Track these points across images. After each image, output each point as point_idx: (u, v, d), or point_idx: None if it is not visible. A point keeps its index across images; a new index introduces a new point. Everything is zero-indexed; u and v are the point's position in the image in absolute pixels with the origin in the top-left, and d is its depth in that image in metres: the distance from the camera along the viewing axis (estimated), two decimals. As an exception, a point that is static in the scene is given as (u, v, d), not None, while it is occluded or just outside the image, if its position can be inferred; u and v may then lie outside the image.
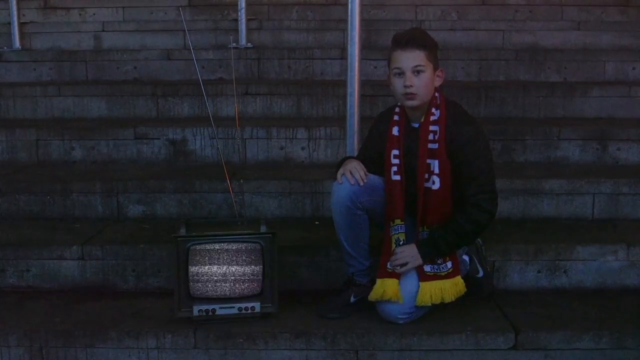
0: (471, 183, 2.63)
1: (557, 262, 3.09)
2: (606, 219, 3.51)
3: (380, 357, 2.65)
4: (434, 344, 2.65)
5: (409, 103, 2.69)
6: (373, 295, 2.71)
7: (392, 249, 2.72)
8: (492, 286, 3.02)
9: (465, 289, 2.72)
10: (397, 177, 2.73)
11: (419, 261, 2.65)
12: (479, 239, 2.94)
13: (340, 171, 2.76)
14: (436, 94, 2.72)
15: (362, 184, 2.70)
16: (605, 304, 2.93)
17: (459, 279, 2.71)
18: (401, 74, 2.65)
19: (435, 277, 2.67)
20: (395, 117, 2.79)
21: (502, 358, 2.65)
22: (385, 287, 2.67)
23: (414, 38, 2.66)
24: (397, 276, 2.68)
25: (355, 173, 2.71)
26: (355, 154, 3.11)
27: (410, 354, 2.65)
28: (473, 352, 2.65)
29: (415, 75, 2.64)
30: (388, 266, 2.71)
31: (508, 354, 2.65)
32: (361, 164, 2.76)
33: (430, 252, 2.66)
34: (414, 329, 2.67)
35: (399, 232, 2.72)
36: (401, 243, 2.71)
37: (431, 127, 2.69)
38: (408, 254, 2.66)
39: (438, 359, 2.65)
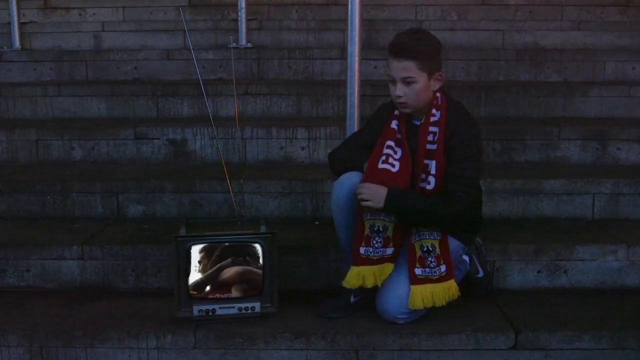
0: (455, 180, 2.61)
1: (557, 262, 3.09)
2: (606, 219, 3.51)
3: (380, 357, 2.65)
4: (434, 344, 2.65)
5: (402, 110, 2.71)
6: (348, 283, 2.68)
7: (366, 234, 2.67)
8: (492, 286, 3.02)
9: (459, 293, 2.70)
10: (385, 166, 2.67)
11: (380, 204, 2.58)
12: (478, 239, 2.94)
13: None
14: (437, 95, 2.70)
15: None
16: (605, 304, 2.93)
17: (452, 283, 2.68)
18: (393, 82, 2.64)
19: (427, 280, 2.66)
20: (396, 112, 2.78)
21: (502, 358, 2.65)
22: (364, 275, 2.65)
23: (406, 48, 2.59)
24: (374, 263, 2.66)
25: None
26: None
27: (410, 354, 2.65)
28: (473, 352, 2.65)
29: (406, 85, 2.62)
30: (361, 252, 2.67)
31: (508, 354, 2.65)
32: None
33: (397, 202, 2.59)
34: (414, 329, 2.67)
35: (375, 218, 2.66)
36: (376, 229, 2.66)
37: (431, 128, 2.68)
38: (375, 191, 2.59)
39: (438, 359, 2.65)
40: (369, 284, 2.66)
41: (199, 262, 2.74)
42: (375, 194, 2.60)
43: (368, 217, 2.67)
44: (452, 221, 2.67)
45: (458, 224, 2.72)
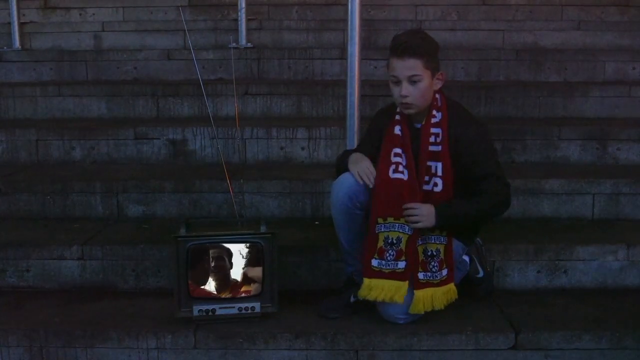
0: (486, 180, 2.63)
1: (557, 262, 3.09)
2: (606, 219, 3.51)
3: (380, 357, 2.65)
4: (434, 344, 2.65)
5: (406, 111, 2.69)
6: (362, 293, 2.68)
7: (379, 246, 2.66)
8: (492, 286, 3.02)
9: (457, 296, 2.69)
10: (398, 176, 2.68)
11: (432, 222, 2.59)
12: (478, 239, 2.95)
13: (355, 170, 2.70)
14: (437, 96, 2.70)
15: (371, 186, 2.66)
16: (605, 304, 2.93)
17: (451, 287, 2.69)
18: (397, 82, 2.64)
19: (428, 284, 2.66)
20: (397, 117, 2.77)
21: (502, 358, 2.65)
22: (371, 288, 2.65)
23: (410, 47, 2.59)
24: (386, 276, 2.64)
25: (363, 176, 2.66)
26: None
27: (410, 354, 2.65)
28: (473, 352, 2.65)
29: (412, 85, 2.61)
30: (374, 264, 2.66)
31: (508, 354, 2.65)
32: (371, 163, 2.72)
33: (447, 216, 2.60)
34: (414, 329, 2.67)
35: (394, 231, 2.65)
36: (390, 241, 2.65)
37: (433, 130, 2.68)
38: (425, 211, 2.60)
39: (438, 359, 2.65)
40: (372, 297, 2.65)
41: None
42: (425, 213, 2.60)
43: (382, 230, 2.65)
44: (501, 211, 2.71)
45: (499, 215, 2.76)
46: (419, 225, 2.60)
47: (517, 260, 3.09)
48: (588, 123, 4.28)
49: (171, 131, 4.03)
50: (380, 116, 2.89)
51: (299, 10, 5.81)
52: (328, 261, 3.07)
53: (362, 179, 2.66)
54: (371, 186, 2.66)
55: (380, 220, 2.67)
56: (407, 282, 2.64)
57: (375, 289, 2.65)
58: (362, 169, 2.69)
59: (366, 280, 2.67)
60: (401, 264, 2.65)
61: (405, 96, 2.62)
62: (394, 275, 2.65)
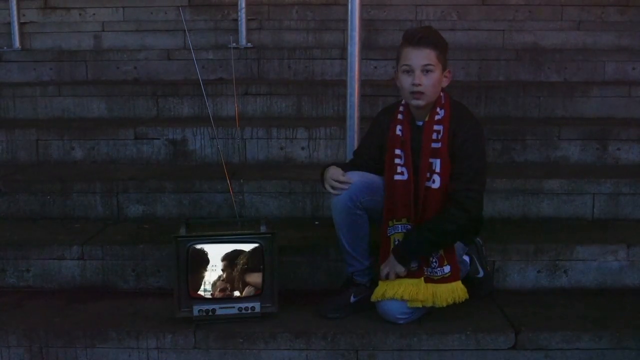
0: (459, 179, 2.63)
1: (557, 262, 3.09)
2: (606, 219, 3.51)
3: (380, 357, 2.66)
4: (434, 344, 2.65)
5: (415, 102, 2.69)
6: (375, 296, 2.72)
7: (392, 248, 2.71)
8: (492, 286, 3.02)
9: (467, 296, 2.69)
10: (400, 177, 2.71)
11: (399, 268, 2.65)
12: (478, 239, 2.95)
13: (327, 186, 2.75)
14: (441, 94, 2.72)
15: (345, 188, 2.70)
16: (605, 304, 2.93)
17: (457, 285, 2.68)
18: (410, 71, 2.65)
19: (428, 280, 2.67)
20: (399, 116, 2.78)
21: (502, 358, 2.65)
22: (386, 287, 2.68)
23: (427, 36, 2.65)
24: (399, 276, 2.68)
25: (335, 185, 2.71)
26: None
27: (410, 354, 2.65)
28: (473, 352, 2.65)
29: (424, 74, 2.63)
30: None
31: (508, 354, 2.65)
32: (338, 168, 2.77)
33: (404, 255, 2.65)
34: (414, 329, 2.67)
35: (398, 232, 2.71)
36: (397, 243, 2.70)
37: (435, 127, 2.69)
38: (390, 265, 2.67)
39: (438, 359, 2.66)
40: (389, 296, 2.68)
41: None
42: (392, 267, 2.66)
43: (392, 232, 2.71)
44: (464, 227, 2.67)
45: (474, 226, 2.73)
46: (391, 277, 2.67)
47: (517, 260, 3.09)
48: (588, 123, 4.28)
49: (171, 131, 4.02)
50: (383, 116, 2.89)
51: (299, 10, 5.81)
52: (328, 261, 3.07)
53: (334, 189, 2.72)
54: (346, 187, 2.70)
55: (390, 223, 2.72)
56: (422, 278, 2.66)
57: (391, 288, 2.67)
58: (328, 179, 2.73)
59: (381, 282, 2.71)
60: (414, 263, 2.68)
61: (418, 84, 2.64)
62: (408, 273, 2.67)
